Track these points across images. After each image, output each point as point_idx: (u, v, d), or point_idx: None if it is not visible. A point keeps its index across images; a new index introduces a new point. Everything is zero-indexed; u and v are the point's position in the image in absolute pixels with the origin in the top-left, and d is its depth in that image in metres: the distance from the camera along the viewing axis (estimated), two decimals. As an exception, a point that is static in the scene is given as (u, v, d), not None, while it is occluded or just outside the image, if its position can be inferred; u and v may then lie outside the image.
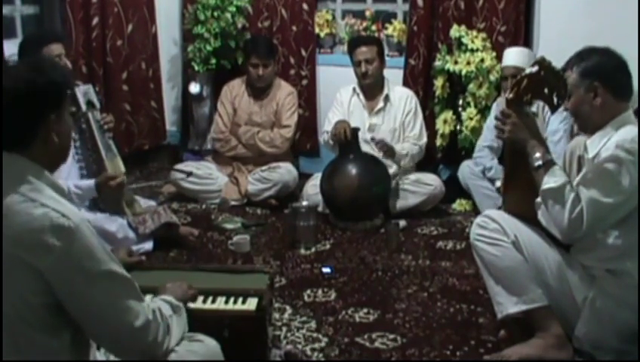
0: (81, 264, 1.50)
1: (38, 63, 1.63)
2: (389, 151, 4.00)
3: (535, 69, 2.35)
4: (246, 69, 4.49)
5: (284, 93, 4.50)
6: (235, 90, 4.55)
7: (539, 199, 2.33)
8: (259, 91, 4.49)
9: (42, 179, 1.56)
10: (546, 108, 2.56)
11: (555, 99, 2.35)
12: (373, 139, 4.04)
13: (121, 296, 1.56)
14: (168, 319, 1.69)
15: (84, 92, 3.38)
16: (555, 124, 3.77)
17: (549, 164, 2.30)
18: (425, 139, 4.24)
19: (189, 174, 4.09)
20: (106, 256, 1.56)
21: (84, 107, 3.36)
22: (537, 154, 2.32)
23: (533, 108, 3.16)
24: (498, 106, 4.03)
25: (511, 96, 2.38)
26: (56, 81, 1.59)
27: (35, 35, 3.62)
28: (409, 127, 4.20)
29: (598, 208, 2.20)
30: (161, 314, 1.67)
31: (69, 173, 3.23)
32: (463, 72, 4.24)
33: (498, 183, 3.89)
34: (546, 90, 2.35)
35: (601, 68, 2.34)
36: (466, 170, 4.13)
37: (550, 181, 2.26)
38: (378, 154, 4.03)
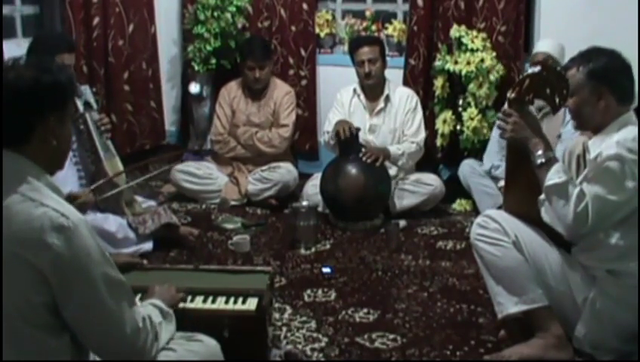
0: (79, 264, 1.51)
1: (45, 63, 1.63)
2: (380, 158, 3.90)
3: (537, 68, 2.35)
4: (242, 71, 4.48)
5: (282, 93, 4.49)
6: (232, 92, 4.54)
7: (542, 196, 2.32)
8: (256, 92, 4.48)
9: (41, 180, 1.56)
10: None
11: (557, 100, 2.35)
12: (364, 148, 3.95)
13: (115, 300, 1.56)
14: (157, 326, 1.70)
15: (81, 93, 3.38)
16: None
17: (551, 161, 2.30)
18: (422, 136, 4.19)
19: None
20: (103, 259, 1.56)
21: (81, 108, 3.35)
22: (539, 152, 2.32)
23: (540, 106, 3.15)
24: None
25: (513, 95, 2.39)
26: (60, 83, 1.59)
27: (51, 41, 3.43)
28: (407, 124, 4.18)
29: (603, 204, 2.19)
30: (150, 322, 1.67)
31: (66, 175, 3.21)
32: (463, 72, 4.23)
33: (502, 183, 3.87)
34: (547, 91, 2.36)
35: (608, 72, 2.33)
36: (467, 168, 4.12)
37: (554, 177, 2.25)
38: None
